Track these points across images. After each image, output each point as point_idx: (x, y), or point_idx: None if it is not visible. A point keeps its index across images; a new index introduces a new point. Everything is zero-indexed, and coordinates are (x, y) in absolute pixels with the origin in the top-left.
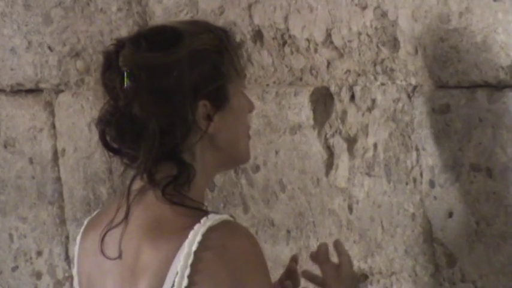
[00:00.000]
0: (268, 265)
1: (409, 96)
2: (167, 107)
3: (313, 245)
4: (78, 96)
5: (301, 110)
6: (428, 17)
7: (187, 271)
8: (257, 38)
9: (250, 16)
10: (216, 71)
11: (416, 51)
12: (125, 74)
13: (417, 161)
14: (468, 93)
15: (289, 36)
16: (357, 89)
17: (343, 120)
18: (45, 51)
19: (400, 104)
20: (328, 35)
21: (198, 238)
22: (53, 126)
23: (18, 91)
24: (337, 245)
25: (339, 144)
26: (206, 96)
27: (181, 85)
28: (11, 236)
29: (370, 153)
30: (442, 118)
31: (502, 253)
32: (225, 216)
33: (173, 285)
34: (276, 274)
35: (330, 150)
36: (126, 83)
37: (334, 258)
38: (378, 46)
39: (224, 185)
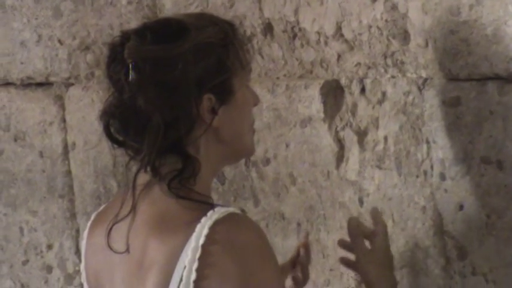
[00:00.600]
0: (278, 258)
1: (419, 89)
2: (171, 100)
3: (324, 238)
4: (88, 89)
5: (312, 103)
6: (438, 10)
7: (195, 265)
8: (267, 31)
9: (260, 9)
10: (221, 65)
11: (427, 44)
12: (130, 67)
13: (428, 153)
14: (478, 85)
15: (300, 29)
16: (367, 82)
17: (353, 113)
18: (55, 44)
19: (410, 97)
20: (339, 27)
21: (205, 231)
22: (63, 119)
23: (29, 85)
24: (374, 212)
25: (349, 137)
26: (211, 89)
27: (186, 78)
28: (21, 229)
29: (381, 146)
30: (453, 111)
31: None
32: (231, 209)
33: (181, 279)
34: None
35: (340, 143)
36: (131, 75)
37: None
38: (388, 39)
39: (234, 178)
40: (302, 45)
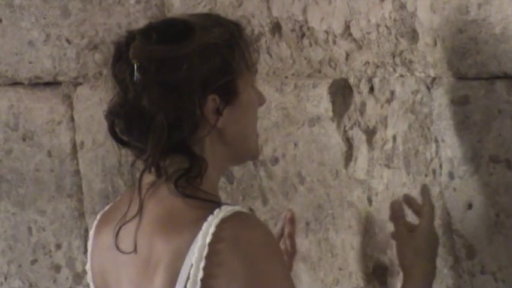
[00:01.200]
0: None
1: (428, 88)
2: (176, 100)
3: (333, 237)
4: (96, 89)
5: (320, 102)
6: (446, 9)
7: (202, 263)
8: (275, 30)
9: (269, 8)
10: (226, 66)
11: (435, 43)
12: (135, 66)
13: (436, 152)
14: (487, 84)
15: (308, 28)
16: (376, 81)
17: (362, 112)
18: (63, 44)
19: (419, 96)
20: (347, 26)
21: (212, 230)
22: (72, 119)
23: (37, 84)
24: (424, 191)
25: (357, 136)
26: (216, 90)
27: (190, 79)
28: (29, 229)
29: (389, 145)
30: (461, 110)
31: None
32: (237, 207)
33: (188, 278)
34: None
35: (349, 142)
36: (136, 75)
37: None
38: (396, 38)
39: (243, 177)
40: (310, 44)
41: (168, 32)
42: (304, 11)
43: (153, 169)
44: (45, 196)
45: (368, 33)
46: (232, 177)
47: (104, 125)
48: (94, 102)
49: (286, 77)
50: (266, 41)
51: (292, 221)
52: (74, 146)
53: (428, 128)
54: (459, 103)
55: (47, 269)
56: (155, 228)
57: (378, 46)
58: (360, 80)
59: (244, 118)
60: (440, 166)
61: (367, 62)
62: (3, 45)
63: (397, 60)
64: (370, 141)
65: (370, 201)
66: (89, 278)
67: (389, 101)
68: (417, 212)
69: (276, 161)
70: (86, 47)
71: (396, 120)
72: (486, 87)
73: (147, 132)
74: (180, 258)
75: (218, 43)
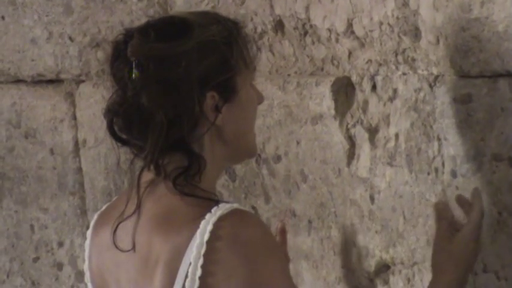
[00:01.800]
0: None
1: (430, 86)
2: (174, 98)
3: (335, 236)
4: (99, 86)
5: (323, 100)
6: (449, 7)
7: (201, 261)
8: (278, 28)
9: (271, 6)
10: (224, 63)
11: (438, 41)
12: (133, 65)
13: (439, 151)
14: (490, 82)
15: (311, 26)
16: (379, 79)
17: (364, 110)
18: (66, 41)
19: (421, 94)
20: (350, 24)
21: (210, 227)
22: (74, 116)
23: (39, 82)
24: (475, 194)
25: (360, 134)
26: (214, 87)
27: (189, 76)
28: (32, 226)
29: (392, 143)
30: (464, 108)
31: None
32: (235, 205)
33: (187, 276)
34: (297, 265)
35: (351, 140)
36: (134, 73)
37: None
38: (399, 36)
39: (245, 175)
40: (313, 42)
41: (166, 30)
42: (307, 9)
43: (152, 167)
44: (48, 194)
45: (371, 31)
46: (235, 175)
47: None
48: (96, 100)
49: (288, 75)
50: (269, 39)
51: (283, 232)
52: (76, 143)
53: (431, 126)
54: (462, 101)
55: (49, 267)
56: (153, 227)
57: (381, 44)
58: (362, 78)
59: (243, 115)
60: (443, 164)
61: (370, 60)
62: (6, 43)
63: (400, 58)
64: (372, 140)
65: (372, 199)
66: (87, 278)
67: (391, 99)
68: (466, 216)
69: (278, 159)
70: (88, 44)
71: (399, 118)
72: (489, 85)
73: (146, 130)
74: (178, 257)
75: (216, 40)
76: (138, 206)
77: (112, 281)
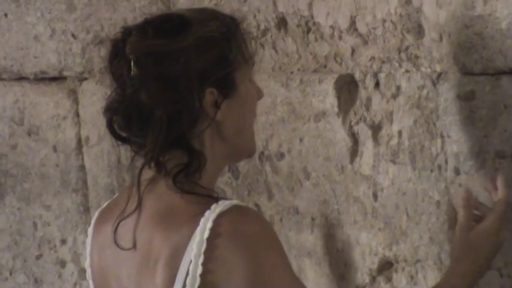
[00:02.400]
0: (292, 252)
1: (433, 83)
2: (174, 94)
3: (338, 233)
4: (101, 83)
5: (326, 97)
6: (452, 4)
7: (201, 259)
8: (281, 25)
9: (274, 3)
10: (223, 59)
11: (441, 38)
12: (132, 62)
13: (442, 148)
14: (493, 80)
15: (314, 23)
16: (382, 76)
17: (367, 108)
18: (69, 38)
19: (424, 91)
20: (353, 22)
21: (209, 225)
22: (77, 114)
23: (42, 79)
24: (500, 182)
25: (363, 131)
26: (213, 83)
27: (188, 72)
28: (35, 224)
29: (395, 140)
30: (467, 105)
31: None
32: (235, 201)
33: (187, 274)
34: (300, 262)
35: (354, 138)
36: (133, 70)
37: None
38: (402, 33)
39: (248, 172)
40: (316, 40)
41: (164, 27)
42: (310, 6)
43: (152, 164)
44: (51, 191)
45: (374, 28)
46: (238, 172)
47: None
48: (99, 97)
49: (292, 72)
50: (272, 36)
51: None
52: (79, 141)
53: (434, 123)
54: (465, 98)
55: (52, 264)
56: (154, 225)
57: (384, 41)
58: (365, 75)
59: (242, 111)
60: (446, 161)
61: (373, 57)
62: (9, 40)
63: (403, 55)
64: (375, 137)
65: (375, 196)
66: (88, 275)
67: (395, 96)
68: (482, 212)
69: (281, 156)
70: (91, 41)
71: (402, 115)
72: (492, 82)
73: (146, 127)
74: (179, 255)
75: (215, 36)
76: (139, 204)
77: (113, 279)
